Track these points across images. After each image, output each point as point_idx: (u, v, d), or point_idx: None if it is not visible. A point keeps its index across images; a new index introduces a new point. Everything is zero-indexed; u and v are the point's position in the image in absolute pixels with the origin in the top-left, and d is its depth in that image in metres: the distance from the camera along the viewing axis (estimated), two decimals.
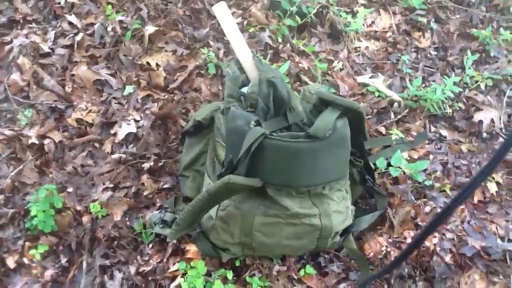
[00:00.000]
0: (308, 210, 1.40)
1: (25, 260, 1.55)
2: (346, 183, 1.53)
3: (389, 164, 1.78)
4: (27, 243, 1.57)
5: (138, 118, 1.89)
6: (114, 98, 1.95)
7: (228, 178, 1.25)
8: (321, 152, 1.33)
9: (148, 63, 2.03)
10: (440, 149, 1.95)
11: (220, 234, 1.49)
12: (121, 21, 2.07)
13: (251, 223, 1.41)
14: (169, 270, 1.55)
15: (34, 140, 1.77)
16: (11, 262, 1.53)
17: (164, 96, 1.97)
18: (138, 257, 1.60)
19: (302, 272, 1.58)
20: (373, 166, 1.75)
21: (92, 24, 2.07)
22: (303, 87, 1.60)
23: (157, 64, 2.03)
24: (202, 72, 2.05)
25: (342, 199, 1.48)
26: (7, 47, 1.96)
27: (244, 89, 1.52)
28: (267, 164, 1.32)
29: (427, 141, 1.98)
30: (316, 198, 1.41)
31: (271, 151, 1.30)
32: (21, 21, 2.06)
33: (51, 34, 2.03)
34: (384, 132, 1.98)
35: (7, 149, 1.76)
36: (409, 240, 1.65)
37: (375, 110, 2.05)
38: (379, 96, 2.09)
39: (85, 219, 1.65)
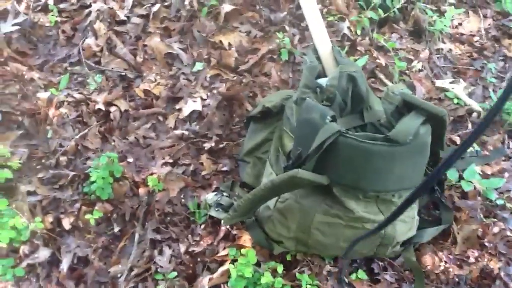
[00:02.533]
0: (373, 215, 1.32)
1: (80, 224, 1.56)
2: None
3: (460, 177, 1.67)
4: (83, 208, 1.58)
5: (204, 96, 1.86)
6: (183, 73, 1.93)
7: (296, 172, 1.20)
8: (398, 158, 1.24)
9: (220, 41, 1.98)
10: None
11: (276, 226, 1.44)
12: None
13: (310, 220, 1.36)
14: (219, 254, 1.52)
15: (100, 106, 1.78)
16: (66, 223, 1.55)
17: (233, 77, 1.92)
18: (189, 236, 1.58)
19: (353, 276, 1.51)
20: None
21: None
22: (386, 87, 1.51)
23: (229, 44, 1.98)
24: (274, 57, 1.98)
25: (409, 209, 1.38)
26: (86, 11, 1.97)
27: (321, 81, 1.45)
28: (338, 163, 1.25)
29: (503, 158, 1.84)
30: (383, 204, 1.33)
31: (345, 150, 1.22)
32: None
33: (129, 2, 2.02)
34: (458, 142, 1.85)
35: (74, 112, 1.78)
36: (472, 260, 1.54)
37: (452, 118, 1.92)
38: (457, 103, 1.96)
39: (142, 191, 1.64)
